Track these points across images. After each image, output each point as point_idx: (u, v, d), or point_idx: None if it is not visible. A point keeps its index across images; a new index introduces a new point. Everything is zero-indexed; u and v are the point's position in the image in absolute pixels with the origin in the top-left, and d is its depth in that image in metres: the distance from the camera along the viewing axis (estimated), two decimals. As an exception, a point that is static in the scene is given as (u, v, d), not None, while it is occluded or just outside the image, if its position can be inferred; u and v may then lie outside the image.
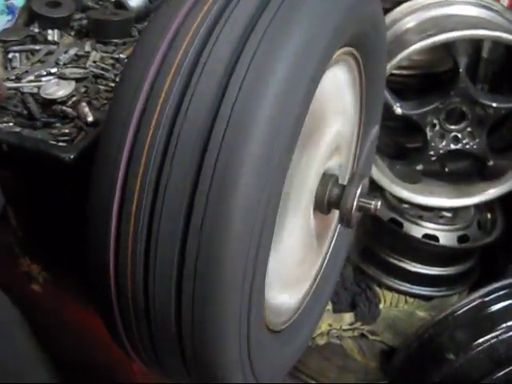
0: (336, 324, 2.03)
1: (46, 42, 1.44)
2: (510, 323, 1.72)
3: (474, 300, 1.77)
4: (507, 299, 1.75)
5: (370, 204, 1.22)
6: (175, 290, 0.84)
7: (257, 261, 0.87)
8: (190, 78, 0.84)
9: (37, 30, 1.46)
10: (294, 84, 0.83)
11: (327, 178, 1.20)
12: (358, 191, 1.18)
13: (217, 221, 0.79)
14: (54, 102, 1.24)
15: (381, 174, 2.00)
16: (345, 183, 1.21)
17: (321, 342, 2.01)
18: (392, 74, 1.90)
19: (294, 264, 1.21)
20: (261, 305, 1.00)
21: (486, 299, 1.76)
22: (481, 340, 1.72)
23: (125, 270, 0.87)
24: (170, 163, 0.82)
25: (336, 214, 1.26)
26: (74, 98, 1.24)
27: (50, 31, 1.45)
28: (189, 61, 0.85)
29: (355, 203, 1.18)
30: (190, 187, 0.81)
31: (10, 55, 1.37)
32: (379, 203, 1.23)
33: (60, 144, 1.14)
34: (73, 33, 1.49)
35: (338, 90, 1.25)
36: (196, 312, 0.84)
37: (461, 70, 1.82)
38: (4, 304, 1.11)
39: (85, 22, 1.49)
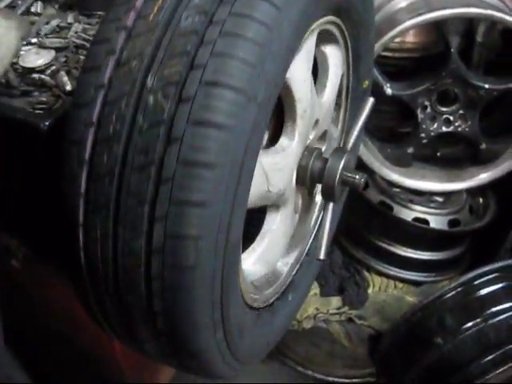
0: (323, 308, 2.01)
1: (29, 13, 1.42)
2: (499, 307, 1.69)
3: (462, 284, 1.75)
4: (497, 283, 1.73)
5: (355, 178, 1.19)
6: (145, 246, 0.82)
7: (232, 218, 0.84)
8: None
9: (19, 2, 1.44)
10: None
11: (310, 150, 1.17)
12: (342, 164, 1.16)
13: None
14: (32, 70, 1.22)
15: (371, 156, 1.98)
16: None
17: (307, 325, 1.99)
18: (384, 57, 1.88)
19: (274, 238, 1.19)
20: (236, 273, 0.97)
21: (475, 283, 1.74)
22: (469, 324, 1.70)
23: (94, 226, 0.84)
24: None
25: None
26: (53, 67, 1.22)
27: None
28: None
29: (338, 176, 1.16)
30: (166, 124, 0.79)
31: (-9, 25, 1.36)
32: (364, 178, 1.20)
33: (36, 112, 1.13)
34: (57, 5, 1.47)
35: (322, 63, 1.24)
36: (166, 277, 0.82)
37: (452, 49, 1.79)
38: None
39: (70, -5, 1.47)
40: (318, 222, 1.43)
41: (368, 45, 1.39)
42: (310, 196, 1.33)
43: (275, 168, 1.06)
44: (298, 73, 1.04)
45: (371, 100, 1.33)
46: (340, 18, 1.17)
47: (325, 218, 1.24)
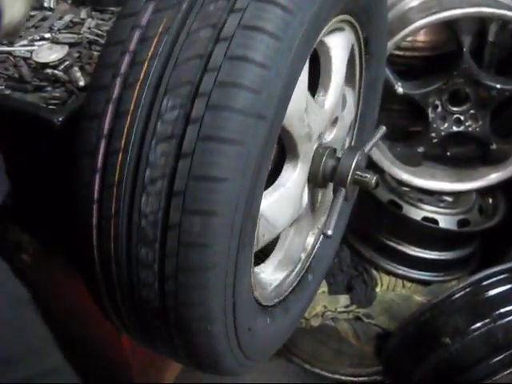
0: (331, 306, 2.01)
1: (42, 8, 1.43)
2: (508, 308, 1.69)
3: (471, 284, 1.74)
4: (506, 284, 1.73)
5: (366, 177, 1.19)
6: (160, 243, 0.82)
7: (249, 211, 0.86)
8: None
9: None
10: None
11: (323, 149, 1.17)
12: (354, 163, 1.16)
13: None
14: (45, 65, 1.23)
15: (381, 155, 1.97)
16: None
17: (315, 323, 1.99)
18: (396, 56, 1.88)
19: (284, 197, 1.16)
20: (248, 270, 0.97)
21: (484, 283, 1.73)
22: (478, 324, 1.69)
23: (108, 224, 0.85)
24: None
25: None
26: (67, 63, 1.23)
27: (46, -2, 1.43)
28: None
29: (350, 175, 1.16)
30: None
31: (4, 20, 1.36)
32: (375, 177, 1.20)
33: (50, 107, 1.13)
34: (69, 1, 1.48)
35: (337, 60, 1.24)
36: (179, 270, 0.82)
37: (464, 49, 1.79)
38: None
39: (83, -10, 1.47)
40: (304, 272, 1.40)
41: (372, 118, 1.47)
42: (313, 207, 1.32)
43: (311, 108, 1.08)
44: (339, 49, 1.13)
45: (383, 128, 1.37)
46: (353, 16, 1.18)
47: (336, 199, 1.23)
